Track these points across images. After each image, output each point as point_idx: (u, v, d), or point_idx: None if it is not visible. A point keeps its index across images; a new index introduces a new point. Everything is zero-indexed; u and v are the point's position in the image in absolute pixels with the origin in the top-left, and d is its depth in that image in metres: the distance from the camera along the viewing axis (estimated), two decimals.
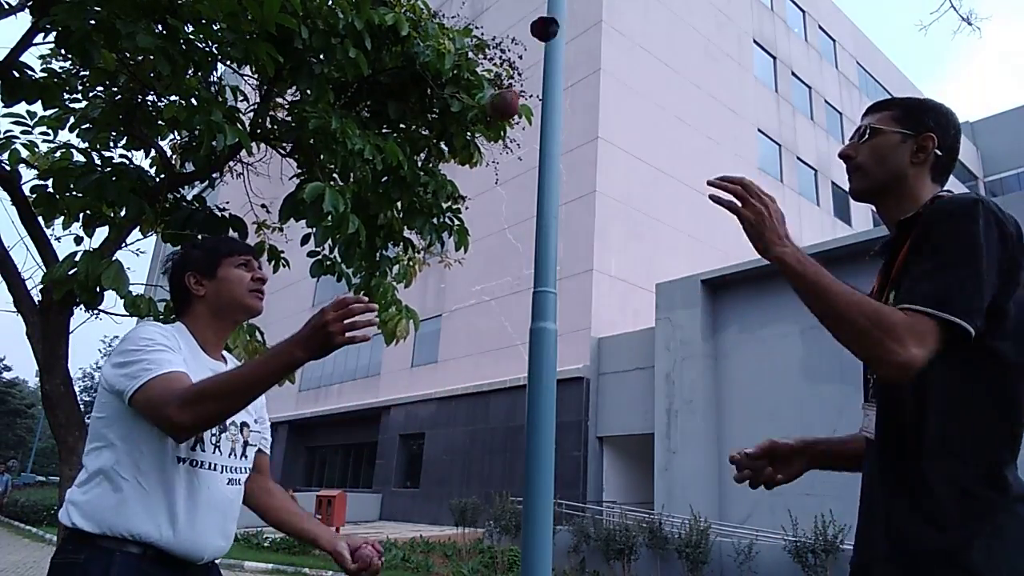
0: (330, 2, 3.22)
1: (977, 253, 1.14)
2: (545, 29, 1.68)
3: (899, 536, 1.19)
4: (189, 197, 3.80)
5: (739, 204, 1.29)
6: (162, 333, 1.51)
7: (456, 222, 4.10)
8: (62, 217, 3.39)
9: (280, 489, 1.78)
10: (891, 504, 1.22)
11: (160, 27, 2.94)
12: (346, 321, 1.29)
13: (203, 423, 1.38)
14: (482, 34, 4.07)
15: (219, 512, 1.52)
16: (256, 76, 3.55)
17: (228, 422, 1.57)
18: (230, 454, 1.57)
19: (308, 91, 3.44)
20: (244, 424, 1.63)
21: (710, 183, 1.30)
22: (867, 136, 1.39)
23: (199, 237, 3.59)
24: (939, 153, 1.35)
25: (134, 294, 3.02)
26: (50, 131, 3.47)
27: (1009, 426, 1.18)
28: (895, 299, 1.27)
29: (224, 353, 1.72)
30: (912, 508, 1.18)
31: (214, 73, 3.51)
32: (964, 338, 1.12)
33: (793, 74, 24.57)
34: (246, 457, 1.63)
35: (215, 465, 1.52)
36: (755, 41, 23.05)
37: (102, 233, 3.42)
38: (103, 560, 1.38)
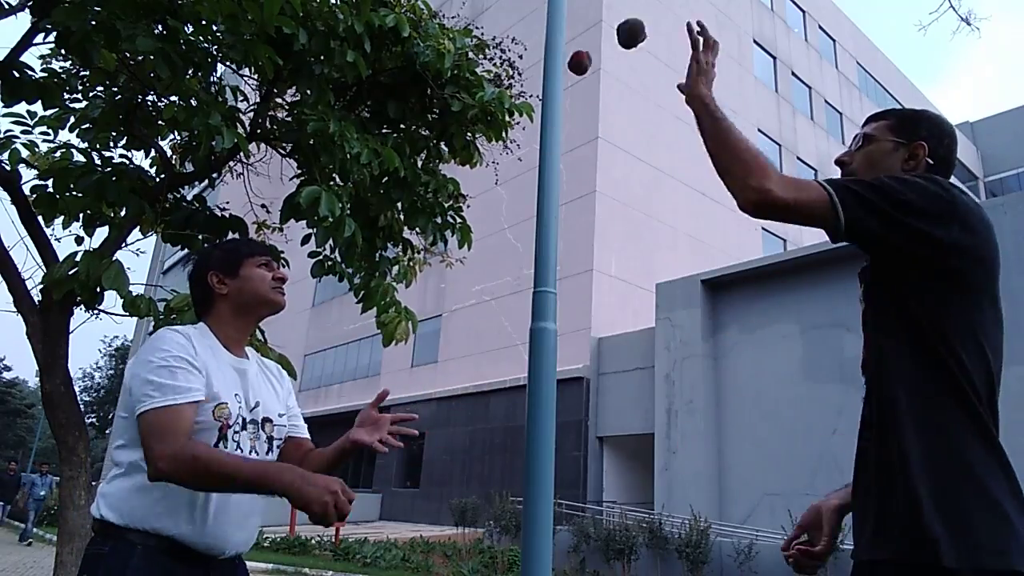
0: (330, 3, 3.22)
1: (900, 182, 1.23)
2: (580, 64, 1.74)
3: (881, 524, 1.21)
4: (189, 197, 3.80)
5: (700, 49, 1.49)
6: (180, 343, 1.51)
7: (458, 220, 4.10)
8: (62, 217, 3.38)
9: (311, 451, 1.79)
10: (875, 492, 1.25)
11: (160, 28, 2.94)
12: (342, 504, 1.30)
13: (177, 482, 1.40)
14: (482, 34, 4.07)
15: (241, 508, 1.54)
16: (256, 77, 3.55)
17: (248, 420, 1.59)
18: (251, 451, 1.58)
19: (308, 92, 3.44)
20: (267, 420, 1.64)
21: (697, 25, 1.53)
22: (862, 144, 1.45)
23: (199, 237, 3.60)
24: (930, 161, 1.38)
25: (134, 294, 3.02)
26: (50, 131, 3.47)
27: (972, 407, 1.19)
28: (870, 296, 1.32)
29: (248, 349, 1.73)
30: (891, 495, 1.20)
31: (214, 74, 3.51)
32: (833, 228, 1.21)
33: (793, 74, 24.57)
34: (270, 452, 1.64)
35: None
36: (755, 41, 23.05)
37: (102, 233, 3.42)
38: (125, 552, 1.43)
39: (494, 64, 4.04)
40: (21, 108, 3.24)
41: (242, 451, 1.56)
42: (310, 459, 1.76)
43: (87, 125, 3.48)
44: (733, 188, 1.30)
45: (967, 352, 1.19)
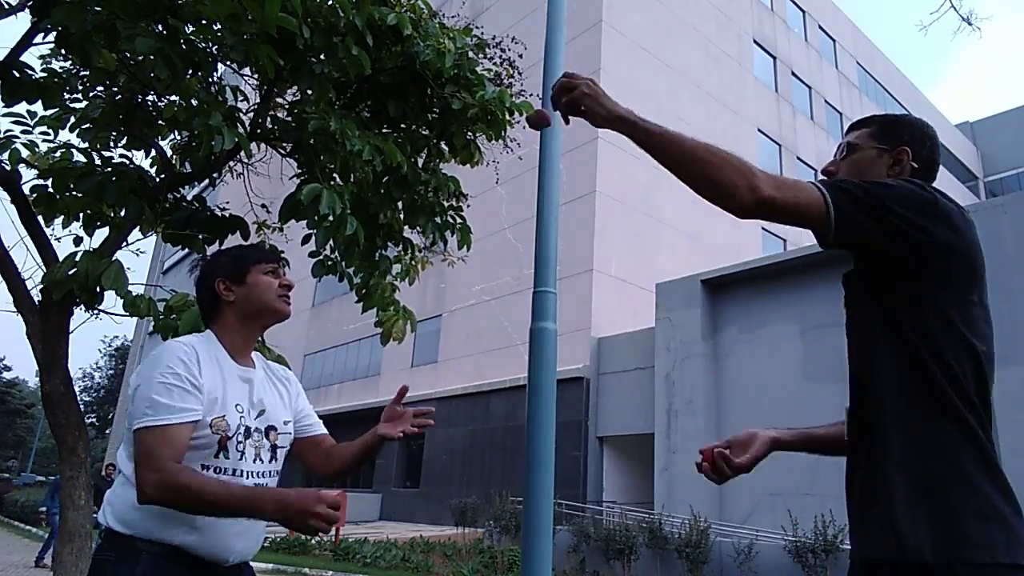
0: (330, 1, 3.22)
1: (884, 185, 1.23)
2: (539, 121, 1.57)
3: (869, 523, 1.22)
4: (189, 197, 3.80)
5: (565, 97, 1.36)
6: (183, 359, 1.50)
7: (458, 220, 4.09)
8: (62, 217, 3.39)
9: (335, 446, 1.85)
10: (864, 492, 1.26)
11: (160, 28, 2.94)
12: (327, 516, 1.33)
13: (164, 505, 1.42)
14: (482, 33, 4.07)
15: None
16: (256, 77, 3.55)
17: (252, 428, 1.59)
18: (255, 459, 1.59)
19: (309, 91, 3.44)
20: (271, 428, 1.65)
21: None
22: (846, 152, 1.50)
23: (199, 237, 3.60)
24: (915, 165, 1.40)
25: (134, 294, 3.02)
26: (50, 131, 3.47)
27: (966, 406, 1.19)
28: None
29: (254, 356, 1.73)
30: (875, 493, 1.21)
31: (214, 74, 3.51)
32: (824, 227, 1.19)
33: (793, 74, 24.57)
34: (275, 460, 1.65)
35: (240, 471, 1.54)
36: (755, 41, 23.04)
37: (102, 233, 3.42)
38: (131, 559, 1.45)
39: (494, 63, 4.05)
40: (21, 108, 3.24)
41: (246, 459, 1.56)
42: (333, 455, 1.80)
43: (87, 125, 3.47)
44: (718, 194, 1.21)
45: (953, 351, 1.19)
